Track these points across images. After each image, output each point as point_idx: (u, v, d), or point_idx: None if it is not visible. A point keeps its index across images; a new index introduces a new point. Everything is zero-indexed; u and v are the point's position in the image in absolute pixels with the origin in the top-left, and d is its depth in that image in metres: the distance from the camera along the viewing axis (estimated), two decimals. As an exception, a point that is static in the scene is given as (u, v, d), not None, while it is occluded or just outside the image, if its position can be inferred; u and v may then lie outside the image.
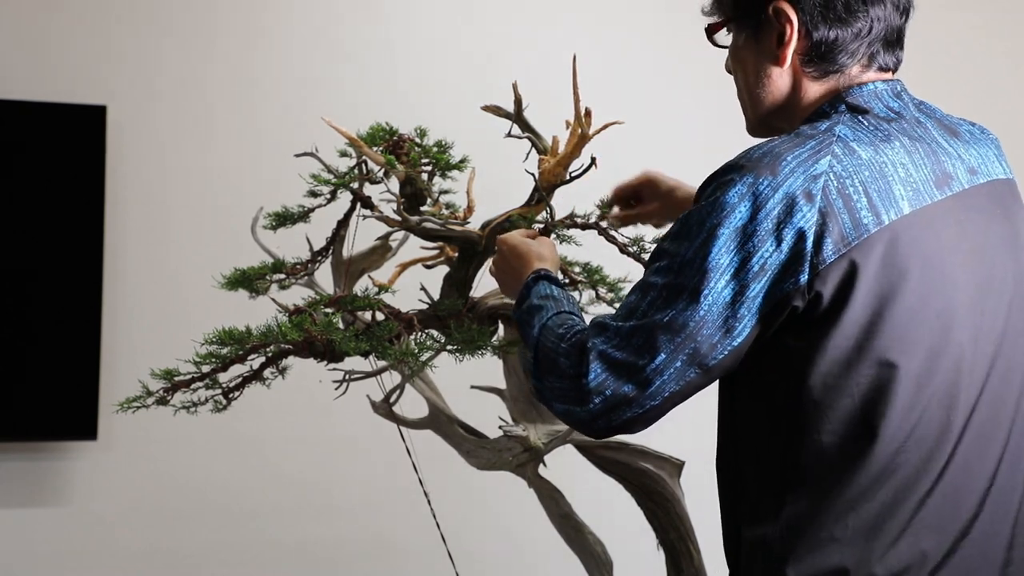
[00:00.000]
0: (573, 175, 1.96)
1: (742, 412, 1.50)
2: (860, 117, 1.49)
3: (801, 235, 1.38)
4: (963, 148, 1.53)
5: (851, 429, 1.41)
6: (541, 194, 1.96)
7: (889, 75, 1.55)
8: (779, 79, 1.55)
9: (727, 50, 1.63)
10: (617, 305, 2.13)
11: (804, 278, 1.38)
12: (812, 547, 1.42)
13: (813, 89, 1.54)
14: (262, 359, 1.87)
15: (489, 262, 2.03)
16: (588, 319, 1.55)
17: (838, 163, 1.41)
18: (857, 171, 1.42)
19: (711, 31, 1.62)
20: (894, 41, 1.55)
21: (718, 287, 1.39)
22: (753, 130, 1.63)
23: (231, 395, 1.87)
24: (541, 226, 1.99)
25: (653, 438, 2.25)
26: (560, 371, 1.48)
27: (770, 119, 1.59)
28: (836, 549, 1.41)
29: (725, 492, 1.56)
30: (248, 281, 1.97)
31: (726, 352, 1.40)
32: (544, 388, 1.51)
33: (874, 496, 1.41)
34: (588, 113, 1.93)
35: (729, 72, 1.64)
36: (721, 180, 1.43)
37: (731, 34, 1.60)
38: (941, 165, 1.49)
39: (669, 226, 1.62)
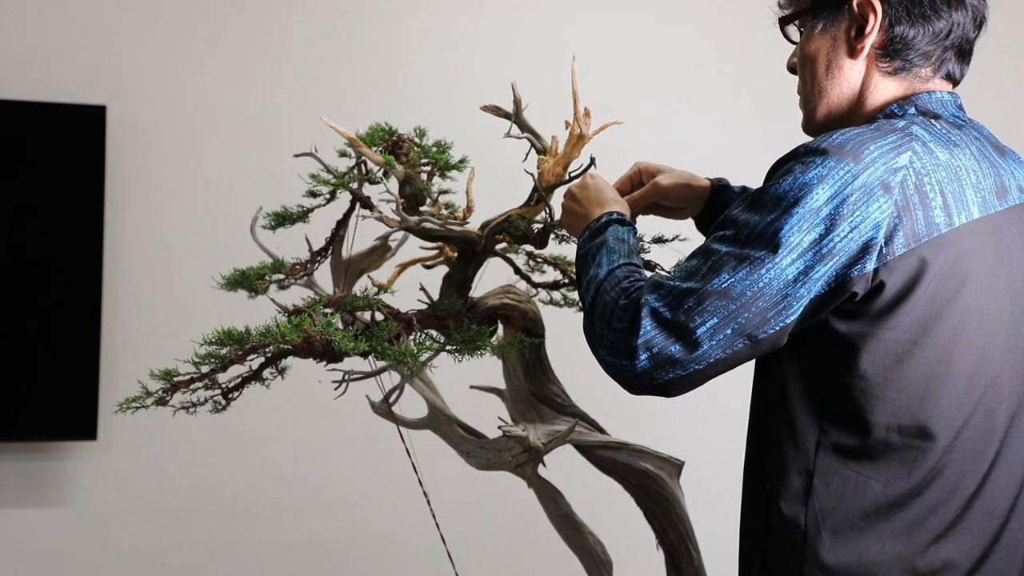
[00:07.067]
0: (572, 175, 1.95)
1: (780, 387, 1.50)
2: (932, 121, 1.50)
3: (875, 224, 1.39)
4: (1012, 166, 1.56)
5: (898, 422, 1.43)
6: (541, 194, 1.96)
7: (951, 87, 1.57)
8: (851, 71, 1.56)
9: (795, 46, 1.63)
10: None
11: (870, 266, 1.39)
12: (852, 537, 1.43)
13: (882, 87, 1.55)
14: (261, 359, 1.86)
15: (488, 262, 2.03)
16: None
17: (918, 160, 1.43)
18: (935, 170, 1.44)
19: (785, 22, 1.62)
20: (966, 52, 1.57)
21: (783, 263, 1.39)
22: (809, 126, 1.63)
23: (230, 395, 1.87)
24: (541, 226, 1.99)
25: (653, 438, 2.25)
26: (613, 323, 1.47)
27: (832, 117, 1.59)
28: (877, 541, 1.42)
29: (753, 463, 1.56)
30: (247, 281, 1.97)
31: (777, 328, 1.41)
32: (594, 333, 1.50)
33: (922, 495, 1.43)
34: (587, 113, 1.93)
35: (791, 72, 1.65)
36: (802, 160, 1.43)
37: (804, 27, 1.60)
38: (1000, 178, 1.52)
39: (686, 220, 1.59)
